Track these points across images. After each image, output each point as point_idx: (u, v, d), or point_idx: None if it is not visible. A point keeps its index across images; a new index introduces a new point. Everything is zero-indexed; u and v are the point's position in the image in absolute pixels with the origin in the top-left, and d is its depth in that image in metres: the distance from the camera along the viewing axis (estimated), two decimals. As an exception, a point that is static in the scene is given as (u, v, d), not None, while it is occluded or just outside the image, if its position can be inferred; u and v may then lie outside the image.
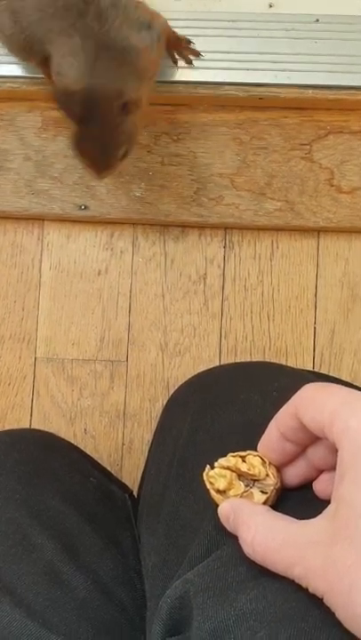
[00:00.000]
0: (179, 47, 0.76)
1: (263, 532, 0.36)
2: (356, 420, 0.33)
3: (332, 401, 0.35)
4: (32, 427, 0.82)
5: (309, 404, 0.36)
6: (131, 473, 0.81)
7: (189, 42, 0.76)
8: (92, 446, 0.82)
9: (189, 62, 0.76)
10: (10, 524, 0.50)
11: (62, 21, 0.61)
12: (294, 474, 0.40)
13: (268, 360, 0.80)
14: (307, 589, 0.34)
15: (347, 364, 0.81)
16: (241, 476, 0.41)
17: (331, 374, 0.78)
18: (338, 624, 0.32)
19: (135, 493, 0.63)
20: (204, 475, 0.42)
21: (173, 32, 0.74)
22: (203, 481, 0.42)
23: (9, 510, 0.51)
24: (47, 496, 0.53)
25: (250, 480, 0.41)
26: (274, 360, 0.80)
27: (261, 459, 0.41)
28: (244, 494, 0.40)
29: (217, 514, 0.40)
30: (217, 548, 0.41)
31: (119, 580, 0.51)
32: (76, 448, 0.64)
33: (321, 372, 0.79)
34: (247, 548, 0.36)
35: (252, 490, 0.40)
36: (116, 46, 0.60)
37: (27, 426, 0.83)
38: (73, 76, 0.60)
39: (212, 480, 0.41)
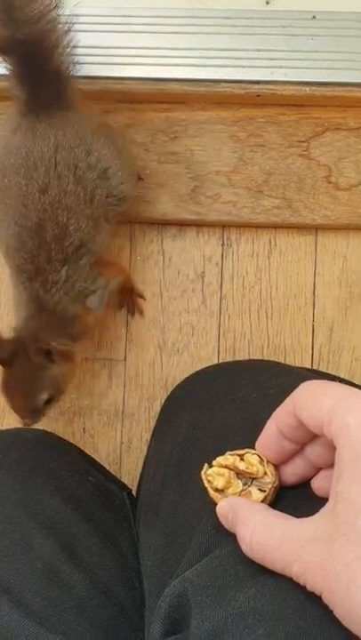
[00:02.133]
0: (128, 296, 0.80)
1: (261, 530, 0.36)
2: (354, 417, 0.33)
3: (331, 398, 0.35)
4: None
5: (307, 402, 0.36)
6: (129, 472, 0.81)
7: (141, 296, 0.81)
8: (91, 445, 0.82)
9: (132, 313, 0.81)
10: (8, 523, 0.50)
11: (16, 278, 0.67)
12: (292, 472, 0.40)
13: (266, 358, 0.80)
14: (305, 587, 0.34)
15: (345, 361, 0.81)
16: (239, 474, 0.41)
17: (329, 372, 0.78)
18: (336, 622, 0.32)
19: (134, 492, 0.63)
20: (202, 473, 0.42)
21: (131, 284, 0.79)
22: (201, 479, 0.41)
23: (7, 509, 0.51)
24: (45, 495, 0.53)
25: (248, 478, 0.41)
26: (272, 358, 0.80)
27: (260, 457, 0.41)
28: (243, 493, 0.40)
29: (215, 512, 0.40)
30: (215, 546, 0.41)
31: (118, 578, 0.51)
32: (74, 447, 0.64)
33: (319, 369, 0.79)
34: (245, 547, 0.36)
35: (250, 488, 0.40)
36: (55, 312, 0.65)
37: (25, 425, 0.82)
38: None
39: (210, 479, 0.41)
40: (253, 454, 0.41)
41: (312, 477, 0.40)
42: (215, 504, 0.40)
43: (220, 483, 0.41)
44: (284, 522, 0.35)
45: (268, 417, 0.40)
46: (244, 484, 0.41)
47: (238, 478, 0.41)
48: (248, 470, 0.40)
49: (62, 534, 0.50)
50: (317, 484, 0.39)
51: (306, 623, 0.34)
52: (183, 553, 0.44)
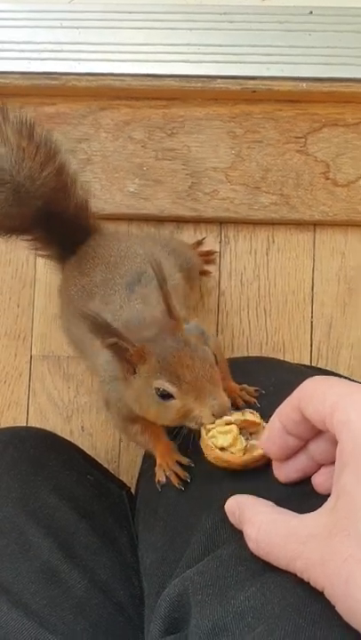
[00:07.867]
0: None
1: (266, 529, 0.36)
2: (356, 412, 0.33)
3: (334, 393, 0.35)
4: (29, 425, 0.82)
5: (312, 397, 0.36)
6: (128, 470, 0.80)
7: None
8: (90, 443, 0.81)
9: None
10: (6, 522, 0.50)
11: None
12: (295, 468, 0.40)
13: (265, 355, 0.80)
14: (308, 583, 0.33)
15: (344, 358, 0.80)
16: (242, 429, 0.42)
17: (328, 369, 0.78)
18: (335, 618, 0.32)
19: (132, 490, 0.62)
20: (204, 437, 0.42)
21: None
22: (202, 446, 0.42)
23: (5, 508, 0.50)
24: (43, 494, 0.52)
25: (248, 434, 0.42)
26: (271, 355, 0.80)
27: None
28: (247, 447, 0.41)
29: (215, 511, 0.40)
30: (216, 546, 0.41)
31: (117, 577, 0.50)
32: (72, 445, 0.63)
33: (318, 366, 0.79)
34: (252, 544, 0.37)
35: (251, 441, 0.42)
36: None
37: (23, 424, 0.82)
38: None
39: (213, 440, 0.42)
40: (252, 412, 0.42)
41: (314, 474, 0.40)
42: (217, 465, 0.41)
43: (225, 441, 0.41)
44: (288, 519, 0.36)
45: (267, 414, 0.40)
46: (246, 440, 0.42)
47: (241, 434, 0.42)
48: (255, 421, 0.41)
49: (60, 533, 0.50)
50: (318, 481, 0.39)
51: (305, 621, 0.34)
52: (183, 552, 0.43)
